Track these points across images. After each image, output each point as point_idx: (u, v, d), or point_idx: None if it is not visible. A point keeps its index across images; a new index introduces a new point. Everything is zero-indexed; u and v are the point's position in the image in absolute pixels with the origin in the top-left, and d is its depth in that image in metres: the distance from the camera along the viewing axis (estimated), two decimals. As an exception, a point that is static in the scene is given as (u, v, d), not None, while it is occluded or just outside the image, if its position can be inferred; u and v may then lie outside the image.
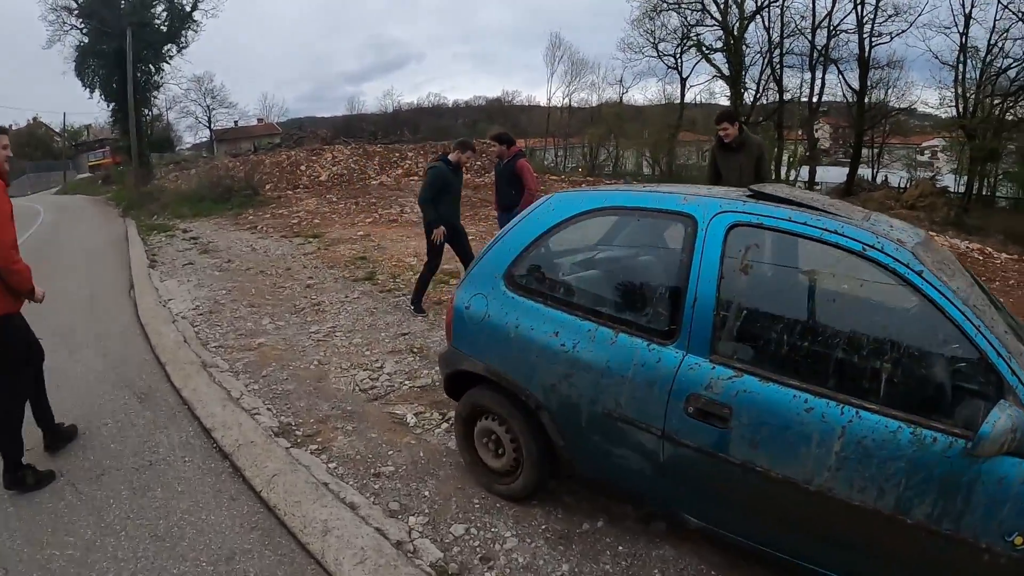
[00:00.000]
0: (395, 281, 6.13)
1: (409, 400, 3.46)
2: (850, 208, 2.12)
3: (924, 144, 30.49)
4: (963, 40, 22.06)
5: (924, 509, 1.59)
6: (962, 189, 23.12)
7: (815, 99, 26.62)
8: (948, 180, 24.79)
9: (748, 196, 2.10)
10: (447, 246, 5.04)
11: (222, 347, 4.35)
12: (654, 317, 2.09)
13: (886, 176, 28.65)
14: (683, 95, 29.82)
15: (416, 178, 15.18)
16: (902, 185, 25.58)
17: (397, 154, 17.74)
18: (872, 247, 1.77)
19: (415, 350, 4.19)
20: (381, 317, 4.99)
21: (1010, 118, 21.44)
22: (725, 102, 27.02)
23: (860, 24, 23.83)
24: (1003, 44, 20.97)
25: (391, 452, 2.90)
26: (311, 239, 8.57)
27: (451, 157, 5.02)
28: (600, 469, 2.23)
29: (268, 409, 3.33)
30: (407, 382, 3.70)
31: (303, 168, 16.16)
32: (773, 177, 4.90)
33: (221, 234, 9.96)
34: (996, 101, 21.81)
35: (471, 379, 2.53)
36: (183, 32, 20.89)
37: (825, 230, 1.84)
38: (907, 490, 1.61)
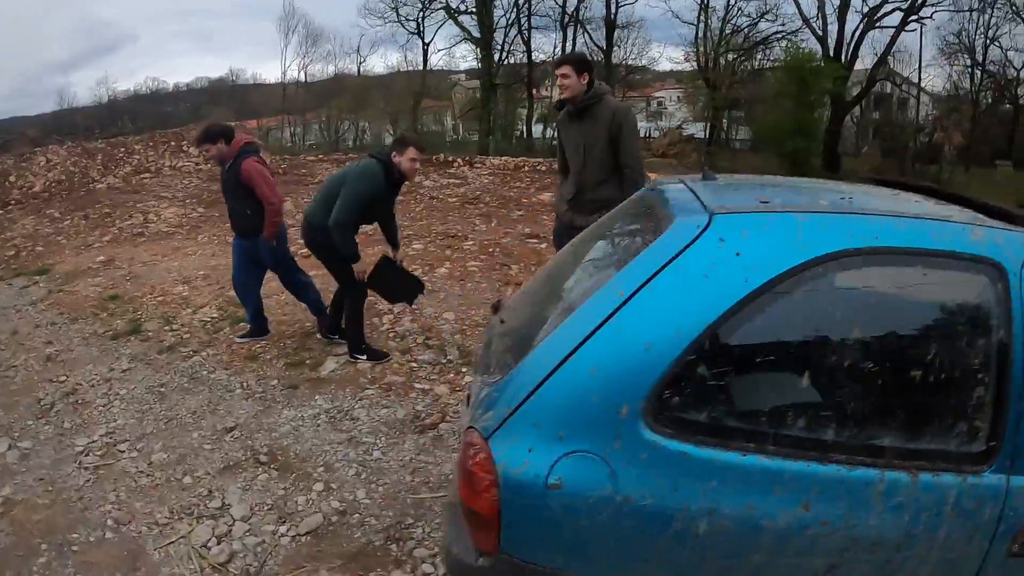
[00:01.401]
0: (173, 329, 4.02)
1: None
2: None
3: (653, 95, 34.46)
4: (704, 1, 25.16)
5: None
6: (704, 136, 25.89)
7: (565, 58, 28.83)
8: (691, 128, 27.76)
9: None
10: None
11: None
12: (967, 433, 1.16)
13: None
14: (425, 61, 29.62)
15: (148, 175, 11.96)
16: (644, 135, 28.37)
17: (122, 149, 14.36)
18: None
19: (263, 459, 2.59)
20: (179, 400, 3.12)
21: (745, 69, 25.33)
22: (469, 66, 27.71)
23: (606, -14, 26.05)
24: (740, 5, 24.49)
25: None
26: (37, 277, 5.42)
27: (395, 160, 3.26)
28: None
29: None
30: (284, 532, 2.18)
31: (12, 179, 11.98)
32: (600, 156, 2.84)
33: None
34: (732, 56, 25.34)
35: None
36: None
37: None
38: None
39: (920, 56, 22.52)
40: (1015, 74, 23.27)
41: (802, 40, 22.85)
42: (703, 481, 1.14)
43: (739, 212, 1.23)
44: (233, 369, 3.45)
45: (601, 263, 1.65)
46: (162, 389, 3.28)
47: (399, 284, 3.55)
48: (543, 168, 10.55)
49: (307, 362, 3.51)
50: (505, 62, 27.62)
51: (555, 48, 26.95)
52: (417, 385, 3.22)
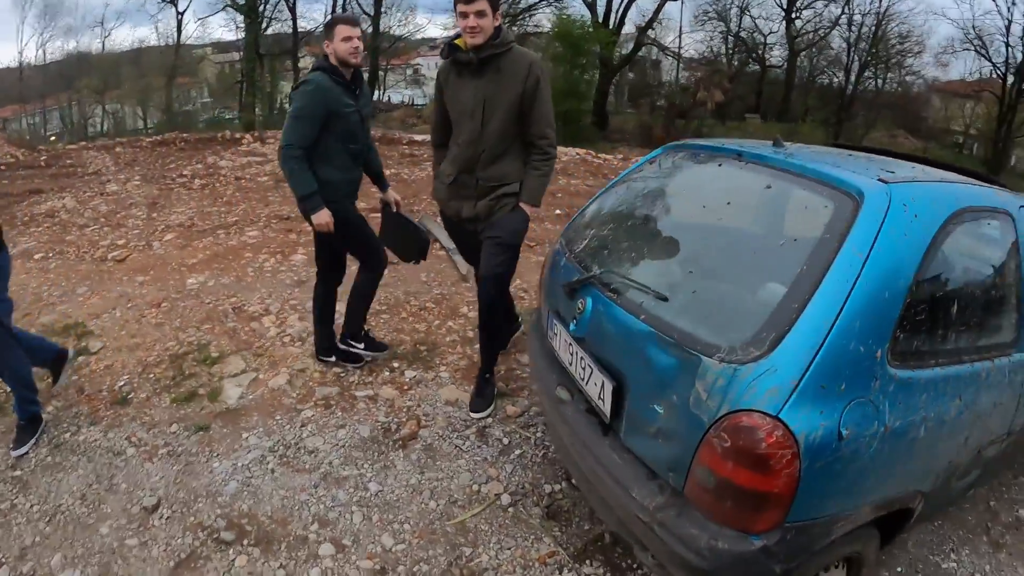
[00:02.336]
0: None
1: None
2: None
3: (411, 61, 33.45)
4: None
5: None
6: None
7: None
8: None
9: None
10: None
11: None
12: (1007, 329, 1.74)
13: (389, 96, 30.44)
14: (179, 32, 25.80)
15: None
16: (406, 102, 27.87)
17: None
18: None
19: (227, 536, 1.93)
20: (51, 484, 2.03)
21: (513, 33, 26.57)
22: (220, 37, 24.07)
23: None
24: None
25: None
26: None
27: (328, 51, 2.48)
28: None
29: None
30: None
31: None
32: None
33: None
34: (507, 22, 26.29)
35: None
36: None
37: None
38: None
39: (680, 23, 26.77)
40: (763, 39, 28.70)
41: (566, 8, 24.17)
42: (927, 394, 1.46)
43: (899, 183, 1.52)
44: (104, 423, 2.44)
45: (762, 225, 1.83)
46: (16, 473, 2.13)
47: (410, 235, 2.88)
48: None
49: (200, 392, 2.64)
50: (268, 30, 24.37)
51: (325, 14, 24.46)
52: (358, 393, 2.77)
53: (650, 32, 25.11)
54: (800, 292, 1.37)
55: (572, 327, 1.85)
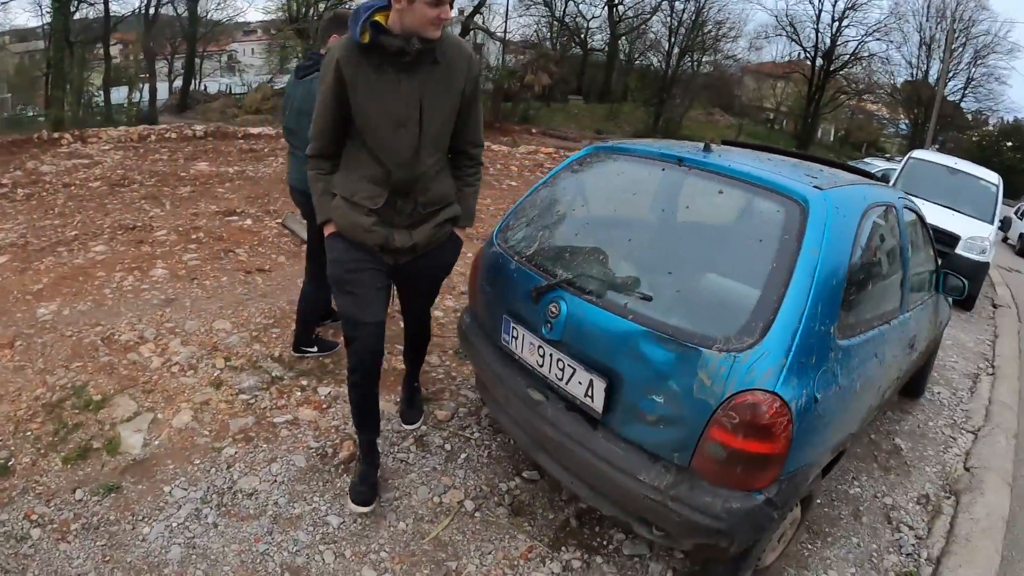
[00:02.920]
0: None
1: None
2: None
3: (225, 48, 30.55)
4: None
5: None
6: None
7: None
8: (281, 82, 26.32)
9: None
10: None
11: None
12: (895, 299, 2.26)
13: (205, 86, 28.39)
14: None
15: None
16: (225, 91, 25.94)
17: None
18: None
19: None
20: None
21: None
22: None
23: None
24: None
25: None
26: None
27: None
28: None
29: None
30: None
31: None
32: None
33: None
34: (323, 6, 23.74)
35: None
36: None
37: None
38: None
39: (507, 8, 26.65)
40: (586, 24, 29.82)
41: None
42: (854, 358, 1.80)
43: (829, 188, 1.82)
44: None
45: (725, 230, 2.03)
46: None
47: None
48: (174, 136, 8.11)
49: (93, 445, 2.18)
50: (75, 15, 20.32)
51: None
52: (276, 420, 2.53)
53: (476, 17, 25.57)
54: (776, 287, 1.59)
55: (545, 331, 1.90)
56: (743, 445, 1.50)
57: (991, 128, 30.88)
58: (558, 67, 25.00)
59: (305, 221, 2.85)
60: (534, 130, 17.90)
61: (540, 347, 1.94)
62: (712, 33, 29.13)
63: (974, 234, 5.90)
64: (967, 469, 3.00)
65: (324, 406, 2.66)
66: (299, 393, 2.73)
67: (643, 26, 29.65)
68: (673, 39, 29.08)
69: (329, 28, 2.60)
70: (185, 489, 2.09)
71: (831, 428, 1.74)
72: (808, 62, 30.27)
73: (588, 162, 2.35)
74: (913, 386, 3.40)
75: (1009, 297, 7.51)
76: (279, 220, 4.94)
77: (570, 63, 30.23)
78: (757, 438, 1.50)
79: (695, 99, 29.15)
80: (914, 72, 30.59)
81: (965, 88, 30.17)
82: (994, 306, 6.88)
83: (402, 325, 2.48)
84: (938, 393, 3.91)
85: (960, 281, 2.90)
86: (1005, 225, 8.61)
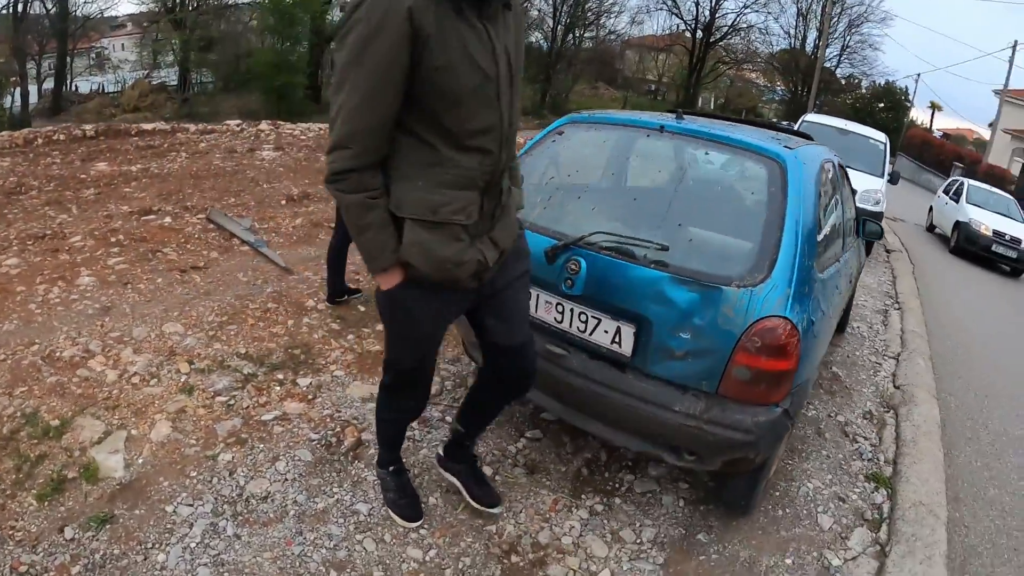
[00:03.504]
0: None
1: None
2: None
3: (94, 45, 28.01)
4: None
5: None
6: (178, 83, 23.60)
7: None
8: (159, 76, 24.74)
9: None
10: None
11: None
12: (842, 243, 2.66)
13: (76, 86, 26.05)
14: None
15: None
16: (99, 90, 24.46)
17: None
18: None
19: None
20: None
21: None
22: None
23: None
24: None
25: None
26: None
27: None
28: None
29: None
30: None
31: None
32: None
33: None
34: None
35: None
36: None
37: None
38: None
39: None
40: None
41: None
42: (827, 288, 2.12)
43: (796, 148, 2.11)
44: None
45: (721, 185, 2.21)
46: None
47: None
48: (62, 137, 6.96)
49: (68, 476, 1.95)
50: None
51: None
52: (264, 417, 2.43)
53: None
54: (773, 231, 1.84)
55: (565, 287, 2.01)
56: (765, 364, 1.73)
57: (864, 91, 34.65)
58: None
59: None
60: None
61: (559, 304, 2.04)
62: (594, 9, 30.25)
63: (868, 187, 6.71)
64: (897, 387, 3.54)
65: (309, 397, 2.60)
66: (278, 388, 2.63)
67: (526, 3, 30.17)
68: (557, 16, 29.82)
69: None
70: (191, 505, 1.96)
71: (819, 347, 2.04)
72: (689, 35, 32.32)
73: (567, 133, 2.47)
74: (840, 322, 3.92)
75: (899, 243, 8.72)
76: (202, 215, 4.60)
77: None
78: (776, 357, 1.72)
79: (580, 75, 30.17)
80: (792, 41, 33.49)
81: (841, 55, 33.36)
82: (887, 251, 7.96)
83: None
84: (857, 327, 4.53)
85: (878, 226, 3.40)
86: (936, 216, 9.97)
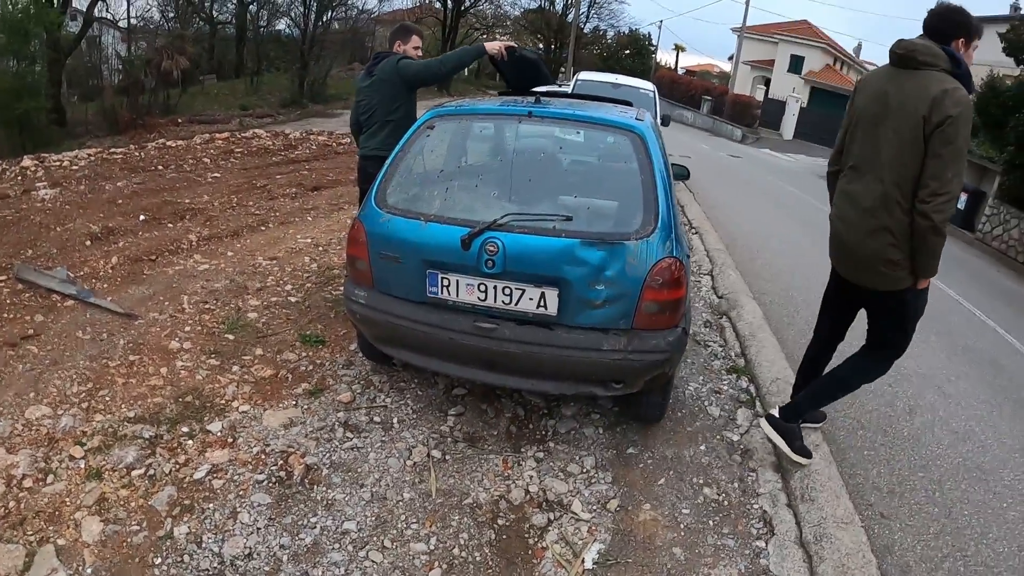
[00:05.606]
0: None
1: None
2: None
3: None
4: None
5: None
6: None
7: None
8: None
9: None
10: None
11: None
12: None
13: None
14: None
15: None
16: None
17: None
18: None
19: None
20: None
21: None
22: None
23: None
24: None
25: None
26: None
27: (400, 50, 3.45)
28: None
29: None
30: None
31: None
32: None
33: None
34: None
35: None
36: None
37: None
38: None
39: None
40: None
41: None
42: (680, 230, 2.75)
43: (641, 120, 2.64)
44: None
45: (597, 155, 2.71)
46: None
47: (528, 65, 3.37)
48: None
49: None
50: None
51: None
52: (196, 476, 2.36)
53: (99, 5, 21.59)
54: (651, 191, 2.36)
55: (486, 268, 2.36)
56: (667, 296, 2.28)
57: (610, 41, 39.24)
58: (193, 47, 23.16)
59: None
60: (180, 120, 16.40)
61: (480, 284, 2.37)
62: (334, -9, 29.57)
63: None
64: (720, 297, 4.56)
65: (229, 441, 2.59)
66: (191, 442, 2.56)
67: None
68: (308, 1, 28.76)
69: (394, 36, 3.49)
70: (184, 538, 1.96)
71: (688, 277, 2.70)
72: (439, 4, 33.47)
73: (438, 127, 2.78)
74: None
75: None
76: (6, 276, 3.93)
77: (197, 40, 28.03)
78: (673, 288, 2.28)
79: (336, 58, 29.56)
80: (541, 2, 36.64)
81: (589, 11, 37.52)
82: (671, 186, 9.60)
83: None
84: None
85: (684, 169, 4.25)
86: None
